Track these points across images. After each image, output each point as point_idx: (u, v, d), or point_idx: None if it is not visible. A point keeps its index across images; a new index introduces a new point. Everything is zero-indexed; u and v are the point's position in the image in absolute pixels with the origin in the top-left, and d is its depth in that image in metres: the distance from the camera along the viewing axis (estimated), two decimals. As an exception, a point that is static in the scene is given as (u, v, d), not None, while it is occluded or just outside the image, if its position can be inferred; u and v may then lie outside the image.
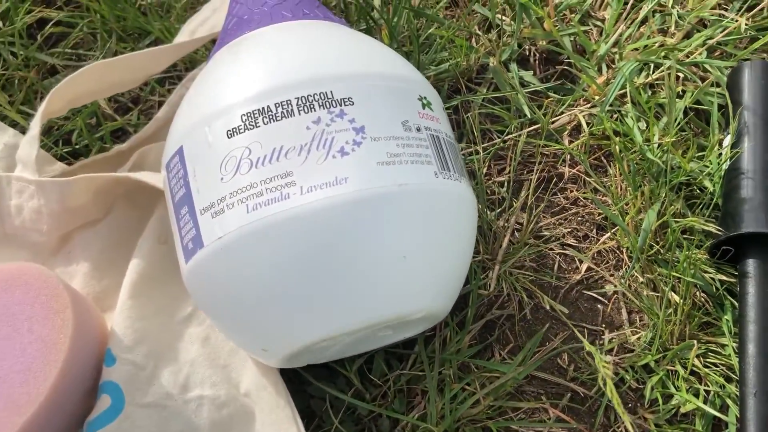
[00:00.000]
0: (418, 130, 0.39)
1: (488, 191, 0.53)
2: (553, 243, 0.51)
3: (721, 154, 0.50)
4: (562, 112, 0.55)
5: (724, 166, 0.49)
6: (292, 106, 0.37)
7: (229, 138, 0.37)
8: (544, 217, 0.53)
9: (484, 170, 0.54)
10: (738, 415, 0.44)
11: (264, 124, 0.37)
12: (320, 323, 0.37)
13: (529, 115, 0.53)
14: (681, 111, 0.51)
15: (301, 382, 0.47)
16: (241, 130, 0.37)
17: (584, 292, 0.50)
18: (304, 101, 0.37)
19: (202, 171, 0.38)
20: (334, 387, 0.46)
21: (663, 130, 0.50)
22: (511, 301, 0.50)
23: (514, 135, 0.54)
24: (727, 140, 0.50)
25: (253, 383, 0.44)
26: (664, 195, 0.49)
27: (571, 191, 0.53)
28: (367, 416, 0.46)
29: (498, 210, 0.52)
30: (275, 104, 0.37)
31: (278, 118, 0.37)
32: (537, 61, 0.58)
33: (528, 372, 0.46)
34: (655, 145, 0.49)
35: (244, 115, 0.37)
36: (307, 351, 0.40)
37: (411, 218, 0.37)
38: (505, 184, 0.53)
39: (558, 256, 0.51)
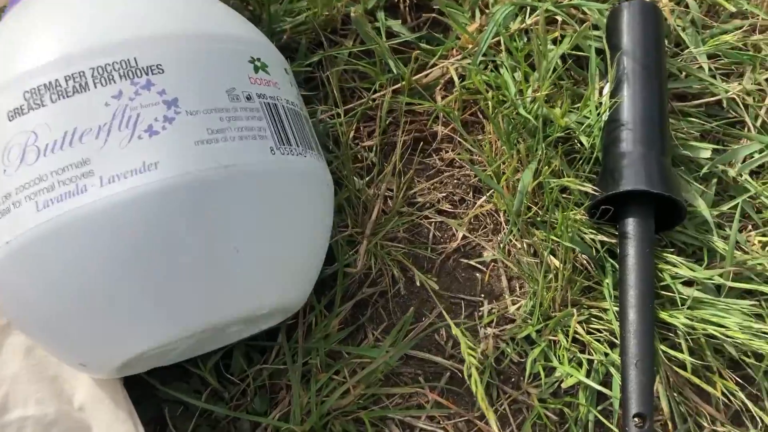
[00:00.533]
0: (249, 98, 0.33)
1: (357, 157, 0.48)
2: (428, 210, 0.47)
3: (600, 104, 0.47)
4: (434, 65, 0.50)
5: (604, 118, 0.46)
6: (86, 78, 0.31)
7: (10, 121, 0.31)
8: (418, 182, 0.48)
9: (352, 134, 0.48)
10: (620, 384, 0.41)
11: (52, 101, 0.30)
12: (142, 334, 0.32)
13: (394, 71, 0.48)
14: (557, 58, 0.47)
15: (151, 386, 0.42)
16: (25, 111, 0.30)
17: (462, 260, 0.47)
18: (101, 72, 0.31)
19: (-17, 161, 0.31)
20: (186, 388, 0.42)
21: (538, 80, 0.46)
22: (383, 277, 0.45)
23: (381, 93, 0.48)
24: (607, 89, 0.46)
25: (89, 395, 0.39)
26: (540, 153, 0.45)
27: (446, 152, 0.49)
28: (225, 419, 0.41)
29: (367, 178, 0.47)
30: (65, 77, 0.30)
31: (70, 94, 0.30)
32: (407, 8, 0.53)
33: (400, 353, 0.42)
34: (528, 99, 0.45)
35: (27, 92, 0.30)
36: (136, 361, 0.34)
37: (242, 205, 0.32)
38: (374, 148, 0.48)
39: (432, 225, 0.47)
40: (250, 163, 0.32)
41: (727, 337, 0.41)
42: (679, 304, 0.42)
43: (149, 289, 0.31)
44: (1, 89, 0.31)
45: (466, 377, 0.41)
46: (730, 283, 0.42)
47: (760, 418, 0.42)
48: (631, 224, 0.43)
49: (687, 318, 0.42)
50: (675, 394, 0.43)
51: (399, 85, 0.49)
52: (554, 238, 0.43)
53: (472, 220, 0.47)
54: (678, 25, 0.51)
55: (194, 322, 0.32)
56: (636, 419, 0.38)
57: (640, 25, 0.47)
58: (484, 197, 0.47)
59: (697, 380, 0.42)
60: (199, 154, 0.31)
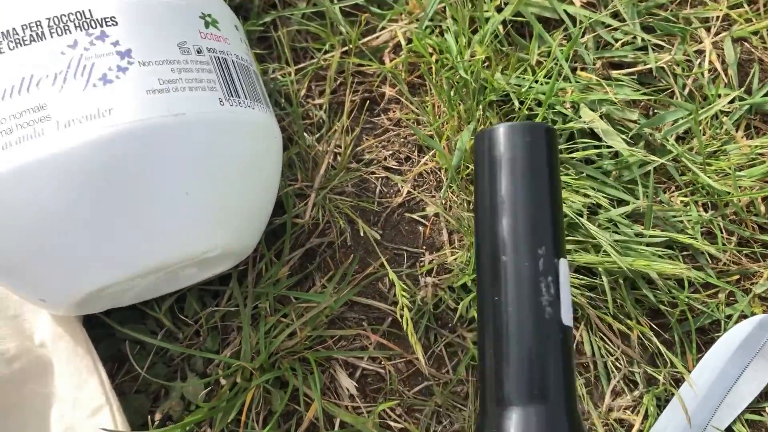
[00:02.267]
0: (199, 52, 0.36)
1: (307, 115, 0.51)
2: (375, 166, 0.50)
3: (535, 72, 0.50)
4: (384, 28, 0.52)
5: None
6: (42, 27, 0.32)
7: (-31, 67, 0.32)
8: (366, 139, 0.51)
9: (303, 92, 0.51)
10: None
11: (9, 49, 0.32)
12: (97, 271, 0.34)
13: (344, 32, 0.51)
14: (498, 23, 0.49)
15: (109, 326, 0.44)
16: (-17, 57, 0.32)
17: (406, 214, 0.50)
18: (57, 22, 0.33)
19: (-55, 105, 0.33)
20: (143, 329, 0.44)
21: (479, 44, 0.49)
22: (331, 228, 0.48)
23: (331, 53, 0.51)
24: None
25: (49, 332, 0.41)
26: (479, 114, 0.48)
27: (393, 112, 0.52)
28: (179, 356, 0.44)
29: (318, 134, 0.50)
30: (22, 26, 0.32)
31: (26, 42, 0.32)
32: (360, -27, 0.55)
33: (345, 299, 0.45)
34: (467, 62, 0.48)
35: (-15, 39, 0.32)
36: (95, 298, 0.37)
37: (191, 151, 0.34)
38: (324, 107, 0.50)
39: (379, 181, 0.50)
40: (199, 111, 0.34)
41: (648, 280, 0.45)
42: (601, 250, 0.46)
43: (103, 229, 0.33)
44: (-40, 37, 0.32)
45: (398, 317, 0.44)
46: (650, 232, 0.45)
47: (670, 360, 0.46)
48: None
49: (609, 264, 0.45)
50: (597, 339, 0.46)
51: (349, 46, 0.51)
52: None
53: (416, 177, 0.50)
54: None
55: (147, 262, 0.35)
56: None
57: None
58: (428, 156, 0.50)
59: (617, 323, 0.45)
60: (151, 102, 0.33)
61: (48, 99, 0.32)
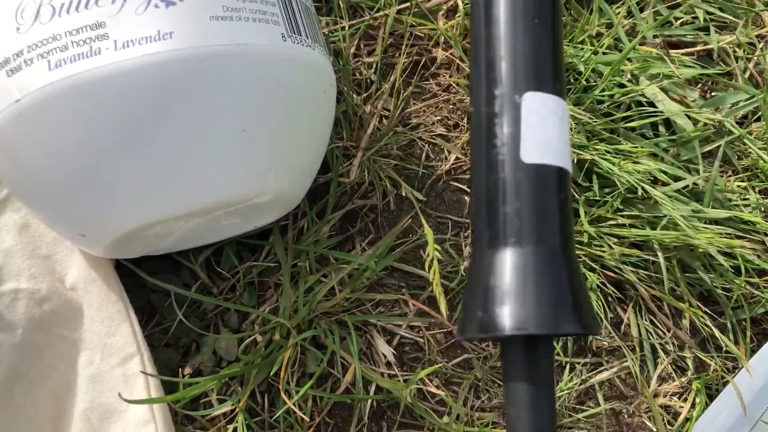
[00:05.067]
0: (264, -16, 0.34)
1: (356, 73, 0.49)
2: (422, 131, 0.48)
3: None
4: (438, -10, 0.50)
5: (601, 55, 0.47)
6: (105, -58, 0.31)
7: (26, -22, 0.31)
8: (414, 103, 0.49)
9: (352, 50, 0.49)
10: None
11: (69, -38, 0.30)
12: (145, 205, 0.32)
13: (400, -11, 0.49)
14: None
15: (141, 276, 0.42)
16: (41, -31, 0.30)
17: (451, 183, 0.48)
18: (120, -62, 0.31)
19: (-5, 20, 0.31)
20: (177, 280, 0.42)
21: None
22: (375, 191, 0.46)
23: (384, 12, 0.49)
24: None
25: (81, 276, 0.39)
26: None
27: (444, 77, 0.50)
28: (213, 311, 0.42)
29: (365, 94, 0.48)
30: (84, -61, 0.31)
31: (88, -43, 0.30)
32: (415, -66, 0.53)
33: (386, 263, 0.44)
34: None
35: (44, -50, 0.30)
36: (135, 238, 0.35)
37: (252, 84, 0.32)
38: (374, 66, 0.49)
39: (426, 145, 0.48)
40: (262, 44, 0.32)
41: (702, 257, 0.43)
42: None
43: (154, 160, 0.31)
44: (18, -53, 0.31)
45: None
46: (709, 210, 0.44)
47: (726, 346, 0.44)
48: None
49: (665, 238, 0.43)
50: (645, 322, 0.44)
51: (403, 5, 0.49)
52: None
53: (465, 144, 0.48)
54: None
55: (196, 200, 0.33)
56: None
57: None
58: (478, 123, 0.48)
59: (671, 299, 0.43)
60: (214, 28, 0.31)
61: (106, 17, 0.30)
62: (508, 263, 0.27)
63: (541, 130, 0.28)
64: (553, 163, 0.28)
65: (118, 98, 0.30)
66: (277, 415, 0.40)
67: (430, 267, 0.43)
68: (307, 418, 0.40)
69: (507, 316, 0.25)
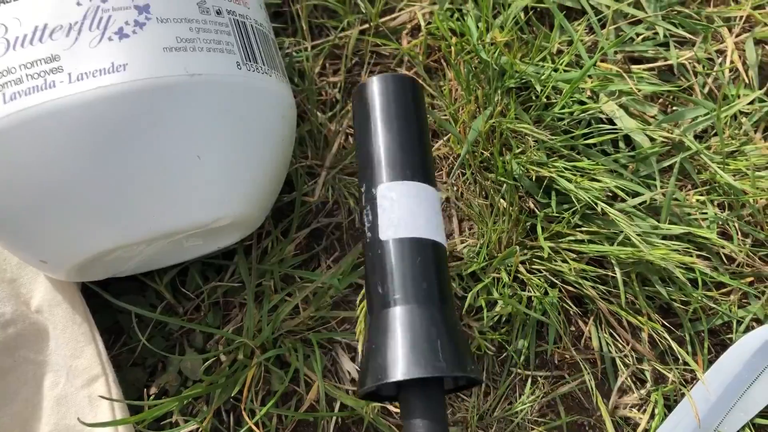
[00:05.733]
0: (219, 13, 0.34)
1: (321, 92, 0.49)
2: (387, 148, 0.49)
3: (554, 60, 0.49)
4: (402, 9, 0.51)
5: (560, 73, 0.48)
6: (59, -24, 0.31)
7: (-19, 12, 0.31)
8: (379, 121, 0.50)
9: (317, 69, 0.50)
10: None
11: (24, -3, 0.31)
12: (102, 233, 0.33)
13: (363, 10, 0.49)
14: (519, 10, 0.49)
15: (106, 299, 0.43)
16: (-4, 4, 0.31)
17: (416, 199, 0.48)
18: (74, -29, 0.31)
19: (-47, 53, 0.32)
20: (143, 301, 0.43)
21: (499, 28, 0.48)
22: (340, 209, 0.47)
23: (348, 32, 0.50)
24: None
25: (46, 299, 0.40)
26: (497, 99, 0.47)
27: (408, 94, 0.50)
28: (178, 331, 0.43)
29: (330, 113, 0.49)
30: (38, -27, 0.31)
31: (42, -9, 0.31)
32: (380, -47, 0.54)
33: (350, 281, 0.44)
34: (489, 45, 0.47)
35: (-1, -15, 0.31)
36: (97, 263, 0.36)
37: (206, 113, 0.33)
38: (339, 85, 0.49)
39: (391, 163, 0.49)
40: (216, 73, 0.33)
41: (661, 274, 0.44)
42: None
43: (111, 189, 0.32)
44: (-27, -19, 0.31)
45: None
46: (666, 226, 0.44)
47: (683, 359, 0.45)
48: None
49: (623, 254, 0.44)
50: (605, 335, 0.45)
51: (366, 26, 0.50)
52: (502, 178, 0.46)
53: (428, 161, 0.49)
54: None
55: (154, 227, 0.34)
56: None
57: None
58: (441, 141, 0.49)
59: (628, 314, 0.44)
60: (168, 60, 0.32)
61: (61, 50, 0.31)
62: (383, 323, 0.33)
63: (392, 212, 0.35)
64: (408, 235, 0.34)
65: (73, 130, 0.31)
66: (240, 433, 0.40)
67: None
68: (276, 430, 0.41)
69: (385, 368, 0.31)
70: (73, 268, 0.35)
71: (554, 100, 0.48)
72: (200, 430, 0.40)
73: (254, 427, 0.38)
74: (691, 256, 0.45)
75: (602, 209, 0.44)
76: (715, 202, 0.49)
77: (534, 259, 0.46)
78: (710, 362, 0.45)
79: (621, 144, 0.49)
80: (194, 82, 0.32)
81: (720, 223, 0.48)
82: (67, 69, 0.30)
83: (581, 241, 0.45)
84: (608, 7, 0.51)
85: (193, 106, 0.32)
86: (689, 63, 0.52)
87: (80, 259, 0.34)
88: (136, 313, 0.43)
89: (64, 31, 0.31)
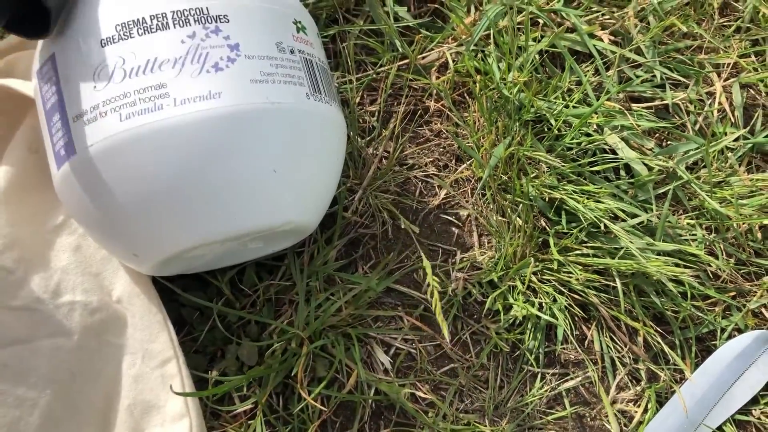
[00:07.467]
0: (292, 52, 0.41)
1: (360, 120, 0.56)
2: (417, 171, 0.56)
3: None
4: (432, 49, 0.58)
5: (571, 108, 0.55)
6: (167, 18, 0.38)
7: (102, 47, 0.38)
8: (409, 146, 0.57)
9: (357, 99, 0.57)
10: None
11: (138, 35, 0.38)
12: (191, 231, 0.39)
13: (400, 50, 0.57)
14: (535, 53, 0.56)
15: (173, 292, 0.49)
16: (115, 40, 0.38)
17: (441, 215, 0.55)
18: (179, 15, 0.38)
19: (75, 79, 0.38)
20: (204, 296, 0.49)
21: (518, 69, 0.55)
22: (375, 222, 0.54)
23: (386, 68, 0.57)
24: None
25: (126, 291, 0.46)
26: (515, 130, 0.54)
27: (436, 124, 0.57)
28: (236, 323, 0.49)
29: (368, 138, 0.56)
30: (150, 16, 0.38)
31: (153, 30, 0.38)
32: (412, -1, 0.61)
33: (386, 284, 0.51)
34: (510, 83, 0.54)
35: (118, 25, 0.38)
36: (178, 258, 0.42)
37: (282, 134, 0.40)
38: (376, 114, 0.56)
39: (420, 183, 0.56)
40: (290, 102, 0.40)
41: (654, 285, 0.51)
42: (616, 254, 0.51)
43: (202, 194, 0.38)
44: (97, 21, 0.38)
45: (429, 304, 0.50)
46: (660, 243, 0.51)
47: (673, 360, 0.51)
48: None
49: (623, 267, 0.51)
50: (606, 338, 0.52)
51: (402, 62, 0.57)
52: (518, 199, 0.52)
53: (452, 182, 0.56)
54: (641, 41, 0.61)
55: (235, 226, 0.40)
56: None
57: None
58: (465, 165, 0.56)
59: (627, 319, 0.51)
60: (254, 90, 0.38)
61: (168, 79, 0.37)
62: None
63: None
64: None
65: (176, 145, 0.37)
66: (296, 410, 0.46)
67: (422, 287, 0.51)
68: (325, 409, 0.47)
69: None
70: (159, 262, 0.42)
71: (564, 132, 0.55)
72: (256, 408, 0.46)
73: (312, 401, 0.44)
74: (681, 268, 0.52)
75: (606, 227, 0.50)
76: (704, 226, 0.55)
77: (545, 270, 0.53)
78: (697, 365, 0.52)
79: (622, 172, 0.56)
80: (274, 109, 0.39)
81: (707, 243, 0.55)
82: (173, 95, 0.37)
83: (587, 255, 0.51)
84: (613, 52, 0.58)
85: (272, 129, 0.39)
86: (683, 103, 0.60)
87: (168, 254, 0.41)
88: (197, 306, 0.49)
89: (170, 64, 0.38)
